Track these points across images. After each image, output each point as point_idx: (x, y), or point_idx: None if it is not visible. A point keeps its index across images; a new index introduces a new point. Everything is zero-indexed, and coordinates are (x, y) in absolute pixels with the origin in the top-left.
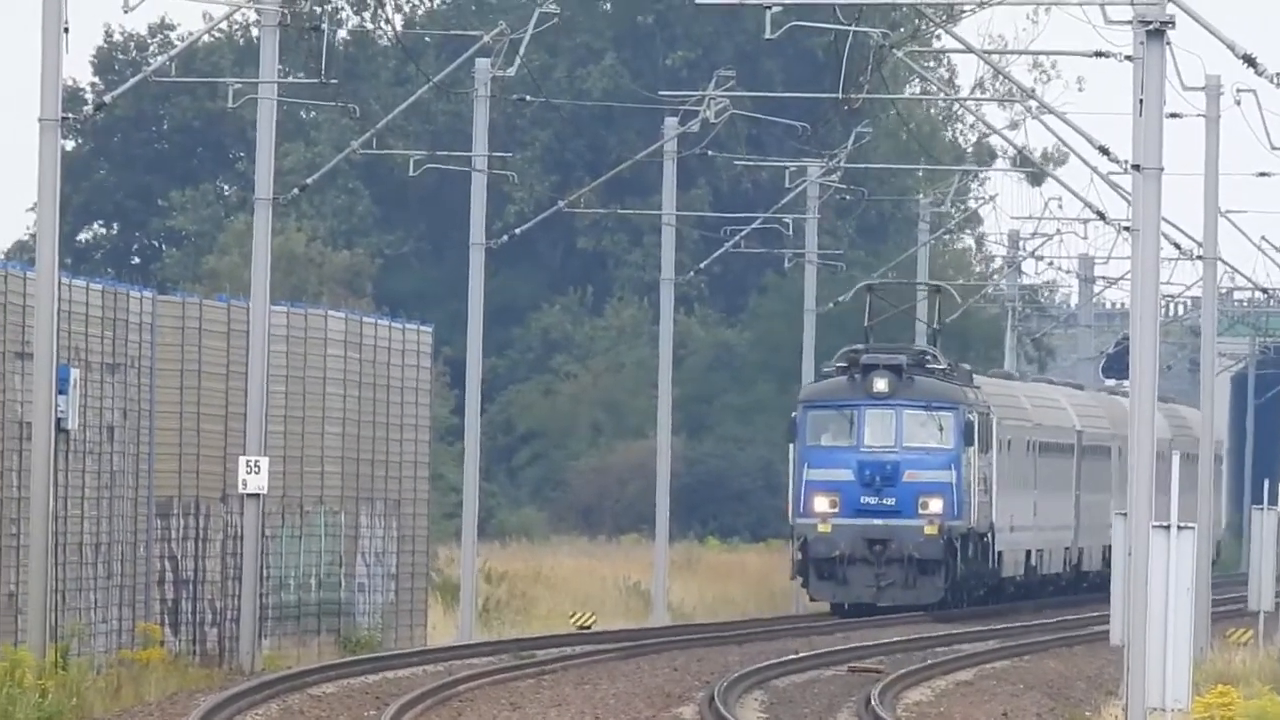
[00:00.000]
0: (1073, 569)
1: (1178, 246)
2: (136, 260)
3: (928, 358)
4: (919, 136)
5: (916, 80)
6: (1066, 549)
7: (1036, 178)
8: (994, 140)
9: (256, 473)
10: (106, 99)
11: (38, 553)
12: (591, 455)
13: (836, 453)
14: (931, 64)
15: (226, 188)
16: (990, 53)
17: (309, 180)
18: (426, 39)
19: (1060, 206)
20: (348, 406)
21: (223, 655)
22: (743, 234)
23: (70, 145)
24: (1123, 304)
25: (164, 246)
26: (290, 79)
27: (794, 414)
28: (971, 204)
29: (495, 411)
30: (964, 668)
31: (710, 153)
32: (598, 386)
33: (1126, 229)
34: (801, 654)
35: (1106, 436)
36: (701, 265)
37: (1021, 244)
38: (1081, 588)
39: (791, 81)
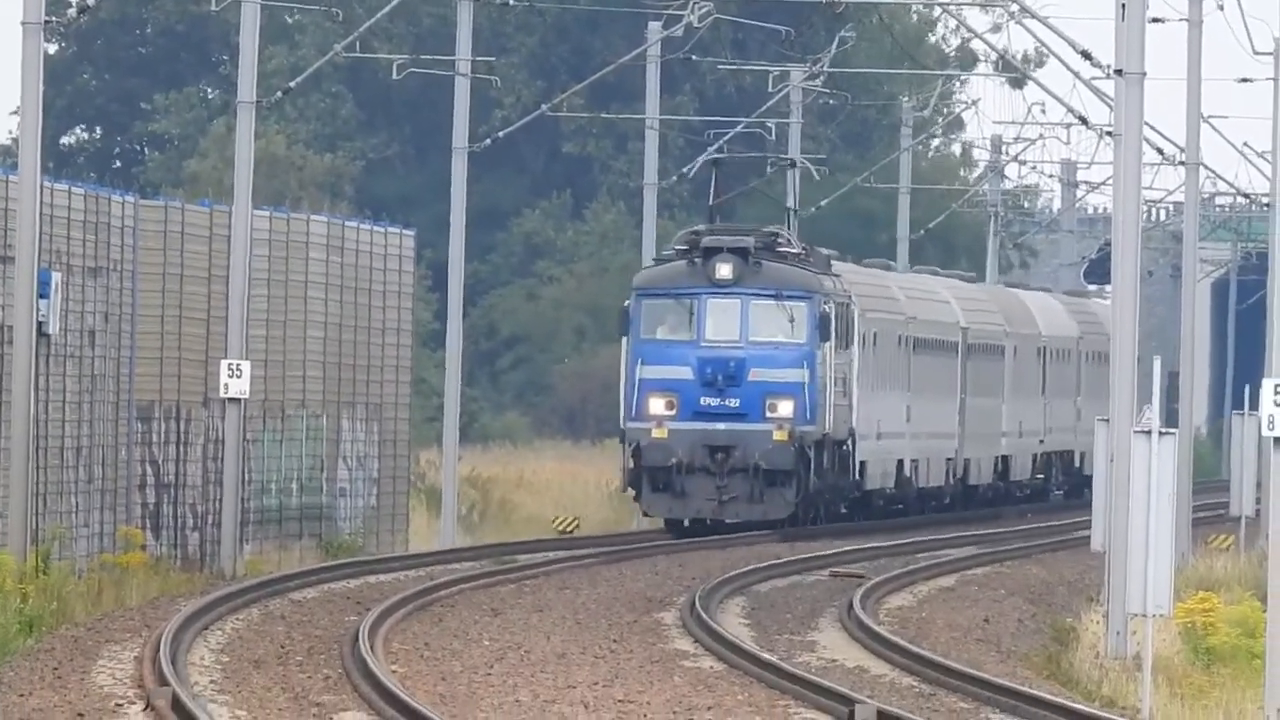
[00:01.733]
0: (957, 481)
1: (1160, 152)
2: (119, 164)
3: (779, 240)
4: (902, 41)
5: None
6: (949, 460)
7: (1018, 82)
8: (976, 45)
9: (238, 377)
10: (90, 2)
11: (18, 456)
12: (575, 359)
13: (674, 348)
14: None
15: (210, 91)
16: None
17: (292, 84)
18: None
19: (1043, 111)
20: (329, 310)
21: (204, 560)
22: (725, 139)
23: (53, 49)
24: (1105, 209)
25: (146, 150)
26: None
27: (626, 303)
28: (955, 109)
29: (478, 316)
30: (946, 573)
31: (694, 57)
32: (581, 291)
33: (1109, 134)
34: (783, 559)
35: (998, 334)
36: (685, 170)
37: (1004, 148)
38: (970, 503)
39: None
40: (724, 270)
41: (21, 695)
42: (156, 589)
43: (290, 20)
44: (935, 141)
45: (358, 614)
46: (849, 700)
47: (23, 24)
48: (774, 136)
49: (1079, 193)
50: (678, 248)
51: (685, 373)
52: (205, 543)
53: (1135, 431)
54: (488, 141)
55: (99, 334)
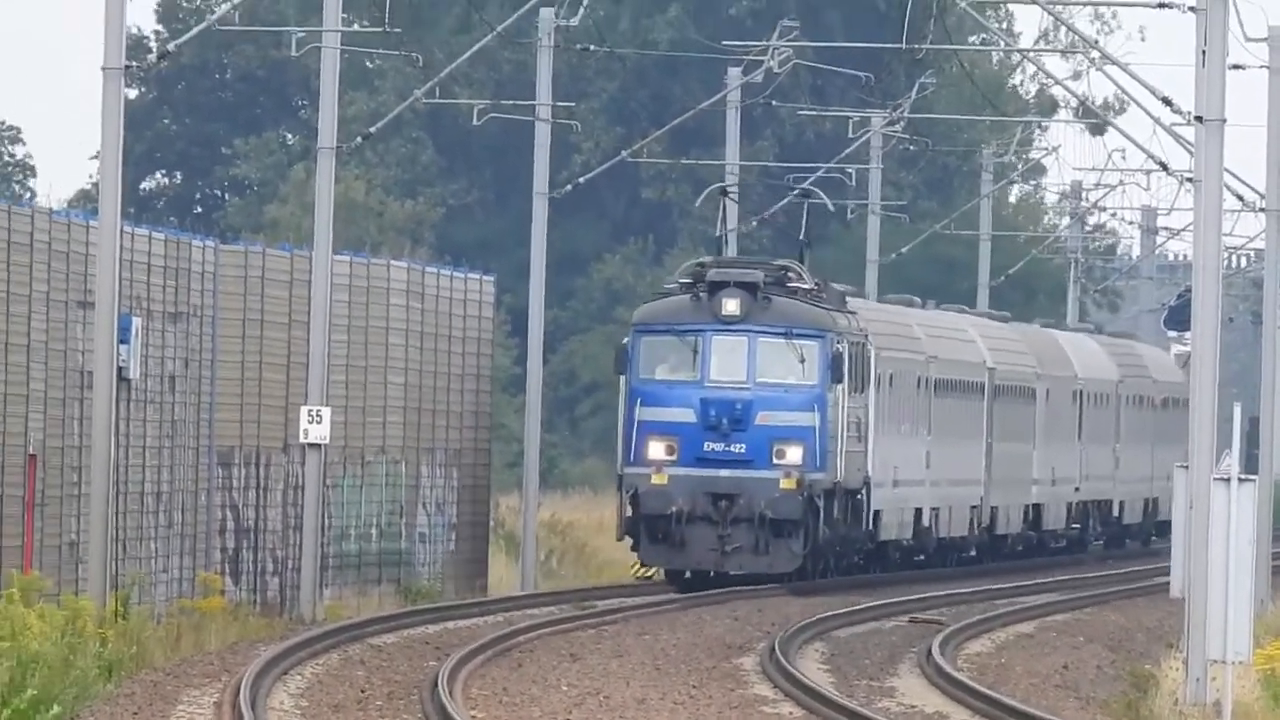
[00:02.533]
0: (983, 531)
1: (1240, 198)
2: (199, 209)
3: (790, 274)
4: (983, 87)
5: (980, 31)
6: (974, 508)
7: (1099, 128)
8: (1056, 91)
9: (318, 422)
10: (170, 47)
11: (99, 501)
12: None
13: (676, 388)
14: (994, 14)
15: (290, 136)
16: (1053, 3)
17: (372, 129)
18: None
19: (1123, 158)
20: (409, 356)
21: (283, 605)
22: (805, 184)
23: (134, 94)
24: (1185, 256)
25: (227, 195)
26: (354, 28)
27: (625, 340)
28: (1034, 155)
29: (557, 362)
30: (1025, 620)
31: (774, 103)
32: None
33: (1189, 180)
34: (861, 605)
35: (1029, 375)
36: (764, 215)
37: (1084, 195)
38: (998, 554)
39: (855, 32)
40: (730, 306)
41: None
42: (236, 634)
43: (370, 65)
44: (1016, 187)
45: (437, 659)
46: None
47: (103, 69)
48: (854, 182)
49: (1159, 239)
50: (681, 281)
51: (687, 415)
52: (285, 588)
53: (1215, 478)
54: (568, 187)
55: (179, 379)
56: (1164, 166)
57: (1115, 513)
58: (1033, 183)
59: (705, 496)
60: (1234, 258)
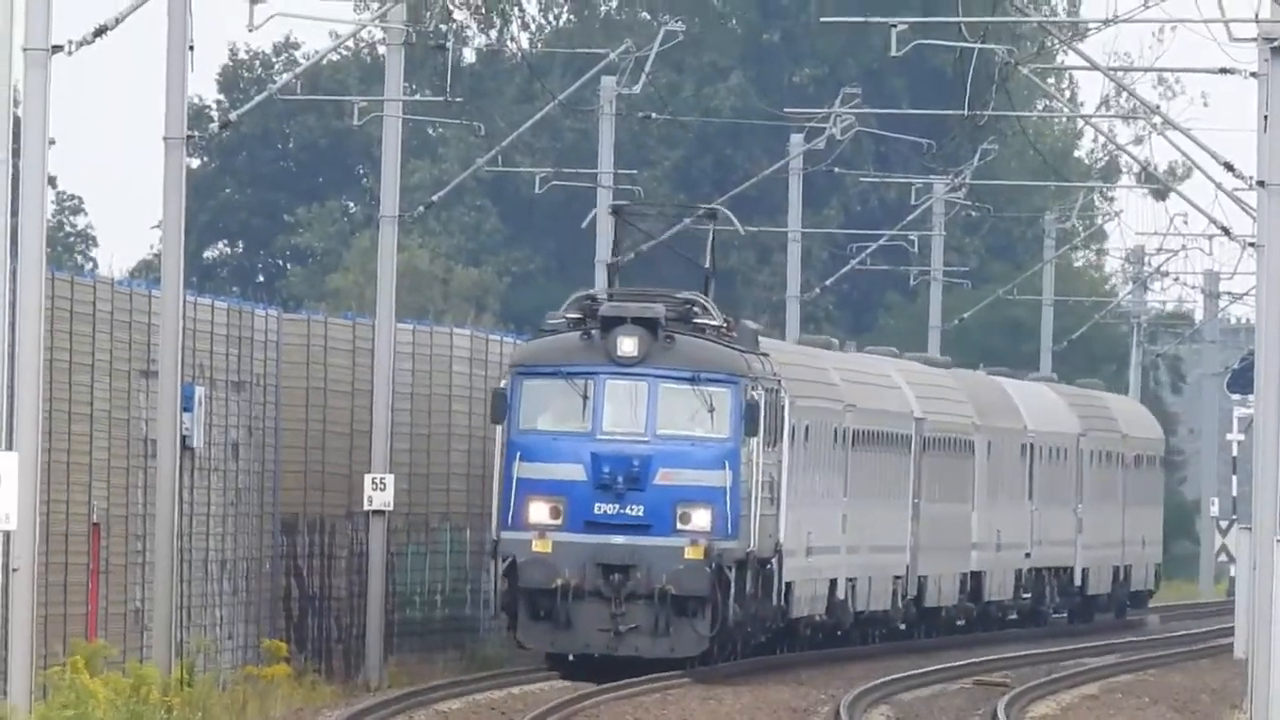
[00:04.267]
0: (908, 604)
1: None
2: (261, 278)
3: (695, 310)
4: (1045, 153)
5: (1042, 97)
6: (898, 578)
7: (1161, 193)
8: (1118, 156)
9: (382, 489)
10: (232, 117)
11: (163, 569)
12: None
13: (562, 441)
14: (1056, 81)
15: (352, 205)
16: (1115, 69)
17: (435, 198)
18: (553, 57)
19: (1185, 222)
20: (473, 423)
21: (349, 672)
22: (868, 251)
23: (196, 163)
24: (1248, 319)
25: (289, 264)
26: (416, 97)
27: (502, 383)
28: (1097, 220)
29: None
30: (1089, 681)
31: (836, 170)
32: None
33: (1252, 245)
34: (926, 668)
35: (964, 427)
36: (827, 283)
37: (1146, 259)
38: (932, 630)
39: (917, 99)
40: (627, 345)
41: None
42: (301, 701)
43: (433, 134)
44: (1079, 253)
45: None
46: None
47: (165, 139)
48: (916, 249)
49: (1222, 303)
50: (569, 316)
51: (575, 472)
52: (350, 655)
53: (1278, 540)
54: (632, 255)
55: (243, 447)
56: (1226, 231)
57: (1077, 581)
58: (1095, 248)
59: (596, 568)
60: None
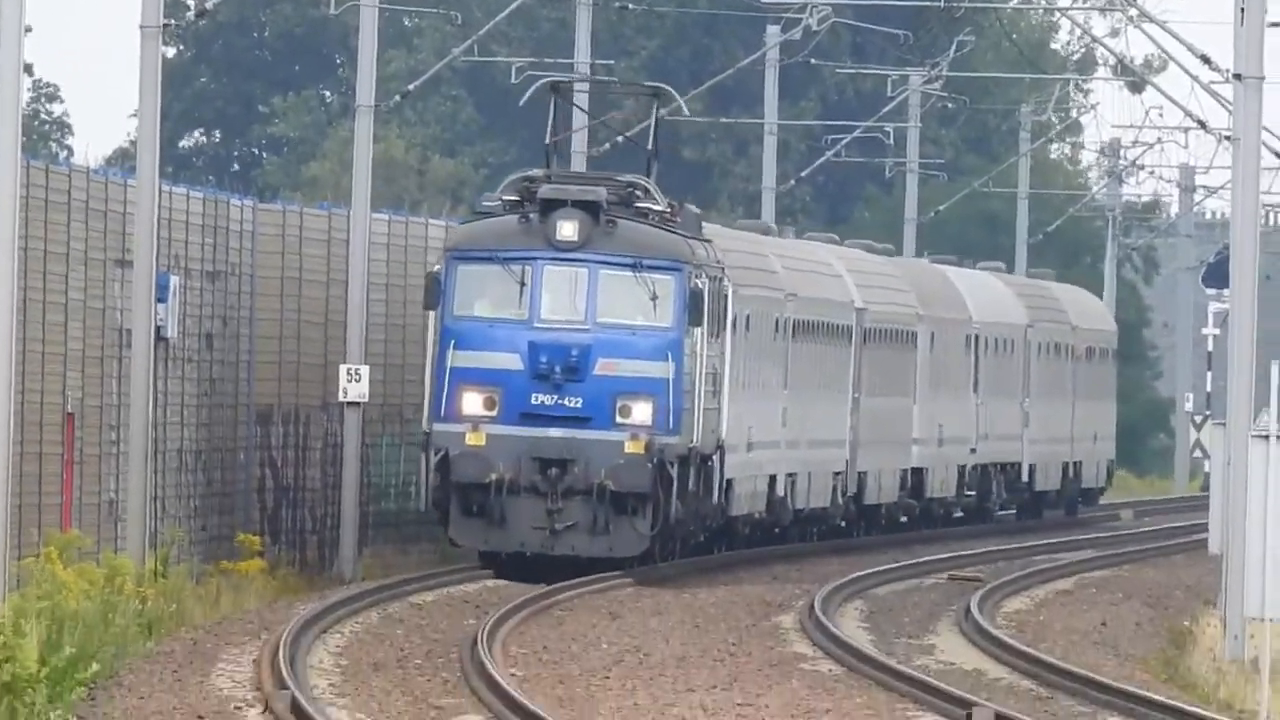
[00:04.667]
0: (847, 501)
1: (1279, 156)
2: (237, 167)
3: (637, 193)
4: (1021, 45)
5: None
6: (837, 474)
7: (1137, 87)
8: (1094, 49)
9: (357, 381)
10: (208, 5)
11: (137, 460)
12: None
13: (498, 328)
14: None
15: (328, 94)
16: None
17: (410, 87)
18: None
19: (1161, 115)
20: None
21: (322, 564)
22: (843, 143)
23: (171, 52)
24: (1223, 214)
25: (265, 154)
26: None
27: (435, 267)
28: (1073, 113)
29: None
30: (1063, 576)
31: (813, 61)
32: None
33: (1228, 138)
34: (901, 563)
35: (907, 317)
36: (803, 174)
37: (1122, 153)
38: (871, 528)
39: None
40: (567, 230)
41: (141, 698)
42: (275, 593)
43: (409, 24)
44: (1054, 146)
45: (476, 618)
46: (967, 703)
47: (141, 28)
48: (892, 141)
49: (1197, 197)
50: (506, 199)
51: (511, 361)
52: (324, 546)
53: (1253, 435)
54: (606, 146)
55: (217, 338)
56: (1202, 124)
57: (1024, 477)
58: (1070, 140)
59: (532, 462)
60: (1272, 215)
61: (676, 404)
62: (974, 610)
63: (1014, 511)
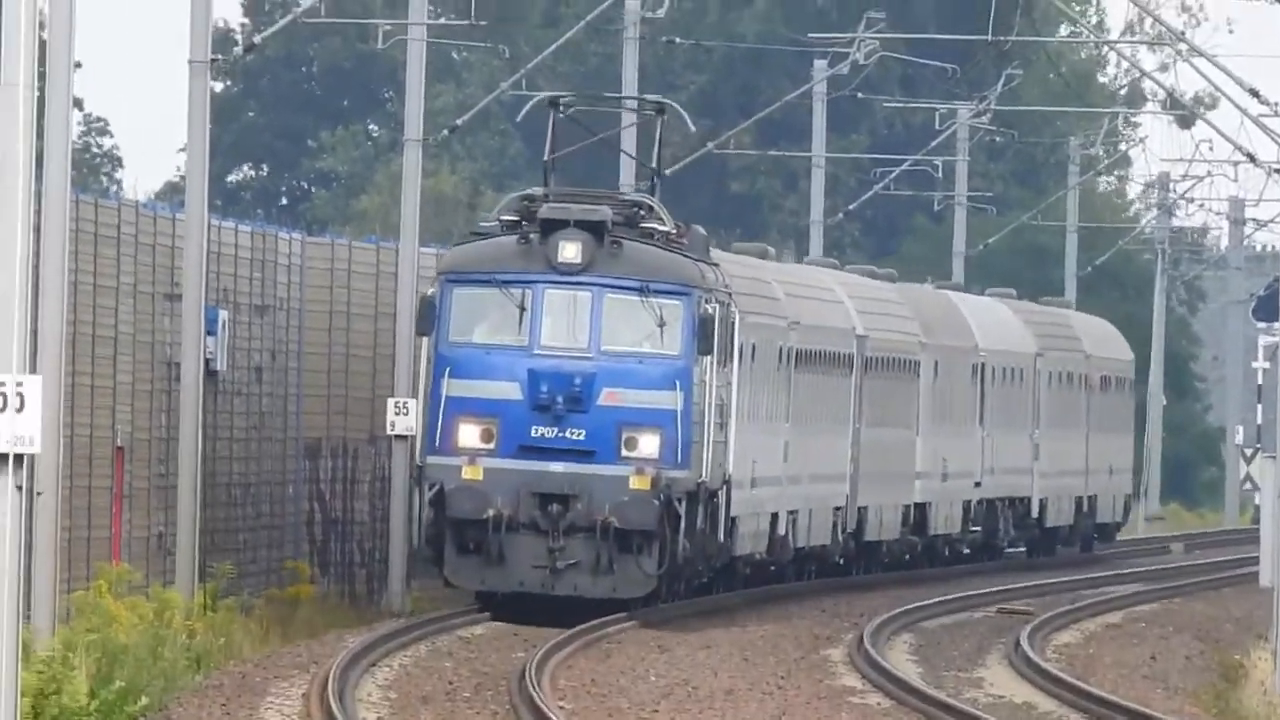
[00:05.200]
0: (846, 539)
1: None
2: (285, 201)
3: (643, 212)
4: (1069, 79)
5: (1067, 22)
6: (837, 510)
7: (1186, 120)
8: (1144, 83)
9: (405, 414)
10: (256, 40)
11: (187, 494)
12: None
13: (496, 356)
14: (1081, 6)
15: (376, 129)
16: None
17: (459, 121)
18: None
19: (1210, 149)
20: None
21: (371, 596)
22: (892, 176)
23: (220, 87)
24: (1274, 246)
25: (313, 188)
26: (441, 20)
27: (430, 291)
28: (1121, 146)
29: None
30: (1113, 610)
31: (860, 95)
32: None
33: (1277, 171)
34: (951, 595)
35: (910, 345)
36: (850, 207)
37: (1171, 186)
38: (871, 565)
39: (943, 23)
40: (569, 251)
41: None
42: (323, 626)
43: (457, 58)
44: (1103, 179)
45: (525, 650)
46: None
47: (189, 63)
48: (941, 174)
49: (1247, 230)
50: (504, 219)
51: (510, 390)
52: (372, 579)
53: None
54: (655, 180)
55: (266, 371)
56: (1251, 158)
57: (1034, 513)
58: (1118, 174)
59: (531, 497)
60: None
61: (685, 437)
62: (1024, 643)
63: (1024, 549)
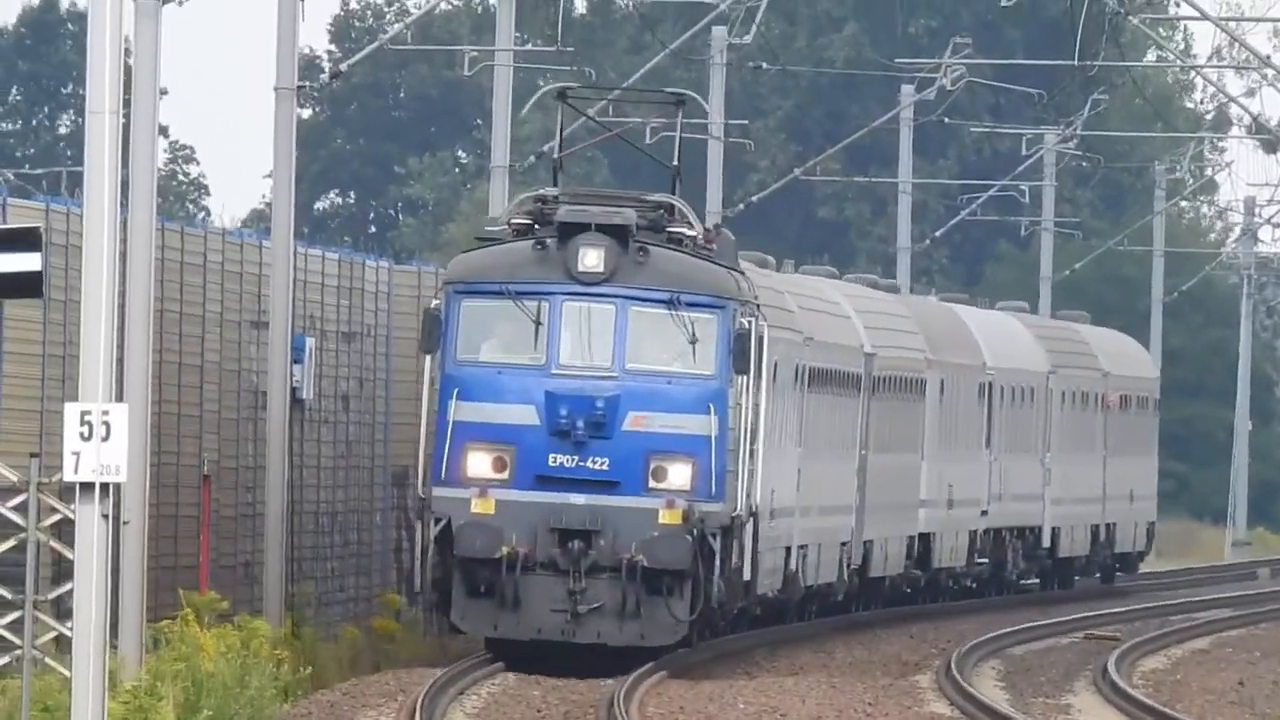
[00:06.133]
0: (853, 574)
1: None
2: (374, 229)
3: (669, 216)
4: (1155, 104)
5: (1153, 47)
6: (844, 544)
7: (1272, 145)
8: (1230, 108)
9: None
10: (343, 67)
11: (274, 522)
12: None
13: (508, 376)
14: (1167, 31)
15: (464, 155)
16: (1227, 19)
17: (545, 148)
18: (664, 7)
19: None
20: None
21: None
22: (979, 201)
23: (307, 114)
24: None
25: (401, 215)
26: (527, 46)
27: (434, 303)
28: (1208, 171)
29: None
30: (1200, 635)
31: (947, 120)
32: None
33: None
34: (1037, 622)
35: (916, 363)
36: (937, 233)
37: (1257, 211)
38: (872, 602)
39: (1030, 49)
40: (590, 259)
41: None
42: (410, 654)
43: (544, 84)
44: (1188, 204)
45: (613, 678)
46: None
47: (275, 90)
48: (1027, 199)
49: None
50: (515, 222)
51: (525, 415)
52: None
53: None
54: (741, 205)
55: (353, 399)
56: None
57: (1046, 543)
58: (1204, 199)
59: (550, 533)
60: None
61: (720, 465)
62: (1111, 670)
63: (1036, 581)
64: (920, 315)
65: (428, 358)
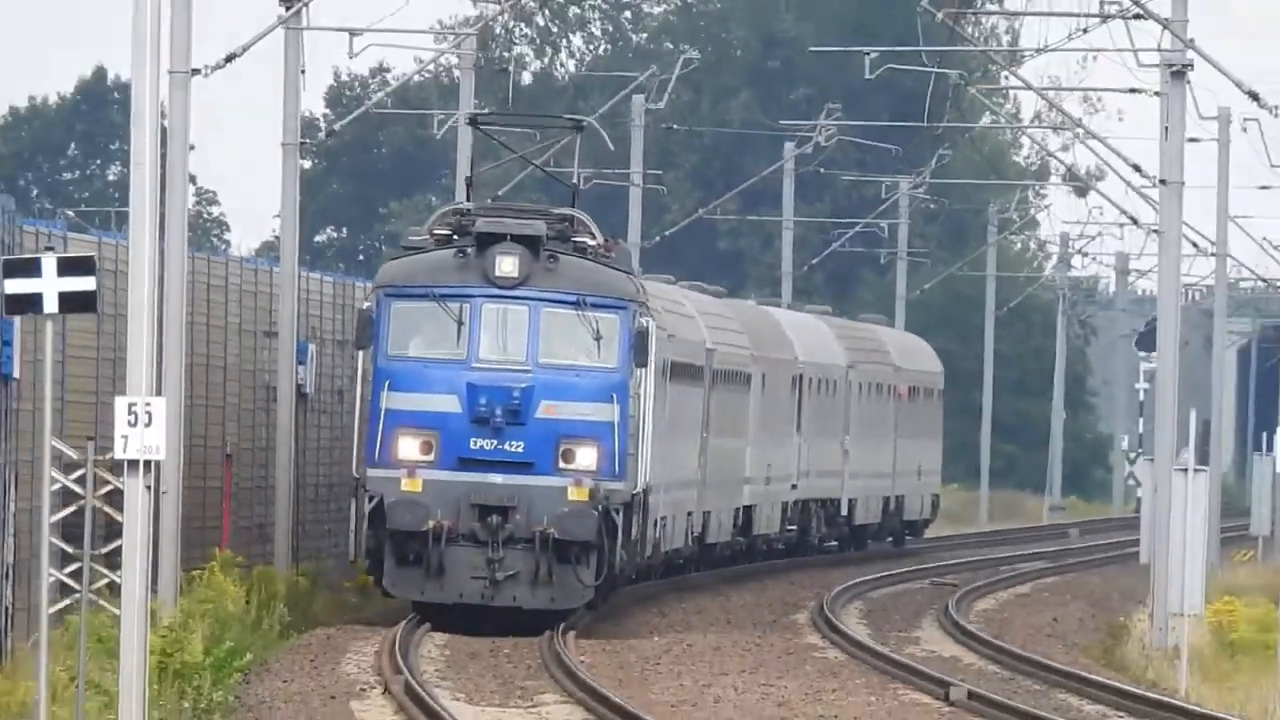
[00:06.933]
0: (694, 541)
1: (1195, 245)
2: (362, 257)
3: (574, 227)
4: (990, 158)
5: (988, 112)
6: (689, 515)
7: (1082, 190)
8: (1049, 160)
9: None
10: (336, 127)
11: (282, 492)
12: None
13: (434, 369)
14: (999, 99)
15: (434, 199)
16: (1046, 89)
17: (500, 193)
18: (593, 79)
19: (1101, 213)
20: None
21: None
22: (847, 236)
23: (308, 164)
24: (1151, 292)
25: (383, 247)
26: (485, 111)
27: (366, 304)
28: (1031, 211)
29: None
30: (1022, 582)
31: (822, 170)
32: None
33: (1155, 232)
34: (893, 571)
35: (743, 359)
36: (814, 261)
37: (1070, 243)
38: (708, 563)
39: (889, 113)
40: (506, 265)
41: (285, 681)
42: (386, 602)
43: (496, 142)
44: (1016, 238)
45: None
46: (945, 683)
47: (282, 144)
48: (886, 234)
49: (1130, 278)
50: (437, 233)
51: (449, 403)
52: None
53: (1175, 469)
54: (657, 239)
55: (346, 394)
56: (1134, 220)
57: (844, 512)
58: (1028, 234)
59: (471, 509)
60: (1190, 293)
61: (622, 448)
62: (951, 609)
63: (836, 545)
64: (743, 316)
65: (361, 353)
